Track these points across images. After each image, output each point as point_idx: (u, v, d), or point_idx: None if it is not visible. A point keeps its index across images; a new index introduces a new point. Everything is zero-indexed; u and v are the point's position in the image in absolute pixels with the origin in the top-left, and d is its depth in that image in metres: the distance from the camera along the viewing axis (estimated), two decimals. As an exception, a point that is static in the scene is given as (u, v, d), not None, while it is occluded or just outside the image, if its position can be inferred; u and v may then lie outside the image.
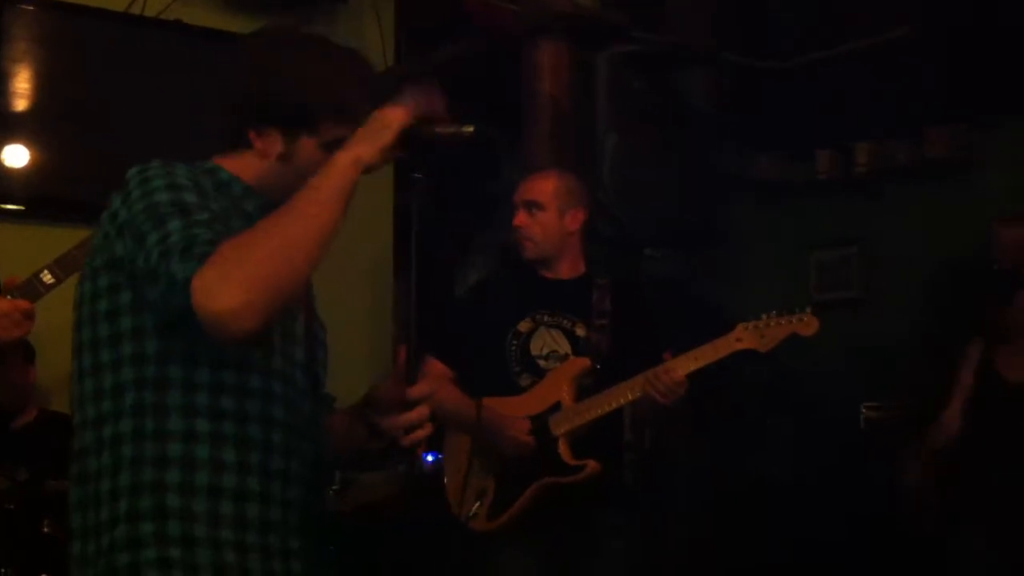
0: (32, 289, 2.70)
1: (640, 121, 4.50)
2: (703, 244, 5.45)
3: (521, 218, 3.44)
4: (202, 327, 1.64)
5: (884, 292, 5.41)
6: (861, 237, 5.54)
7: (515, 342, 3.41)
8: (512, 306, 3.44)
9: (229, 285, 1.62)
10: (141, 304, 1.77)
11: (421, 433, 1.84)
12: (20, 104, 4.17)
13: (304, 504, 1.88)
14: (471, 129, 1.86)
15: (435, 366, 3.36)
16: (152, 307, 1.74)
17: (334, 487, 4.18)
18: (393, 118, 1.79)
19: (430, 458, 3.92)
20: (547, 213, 3.45)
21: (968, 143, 5.24)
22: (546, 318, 3.42)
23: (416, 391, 1.83)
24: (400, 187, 4.90)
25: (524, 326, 3.41)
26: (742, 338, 3.23)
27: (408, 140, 1.82)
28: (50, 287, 2.73)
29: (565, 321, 3.42)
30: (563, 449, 3.30)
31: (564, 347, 3.39)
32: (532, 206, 3.45)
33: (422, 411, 1.83)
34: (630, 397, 3.26)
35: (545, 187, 3.48)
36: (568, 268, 3.49)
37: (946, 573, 4.10)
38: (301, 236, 1.69)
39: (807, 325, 3.20)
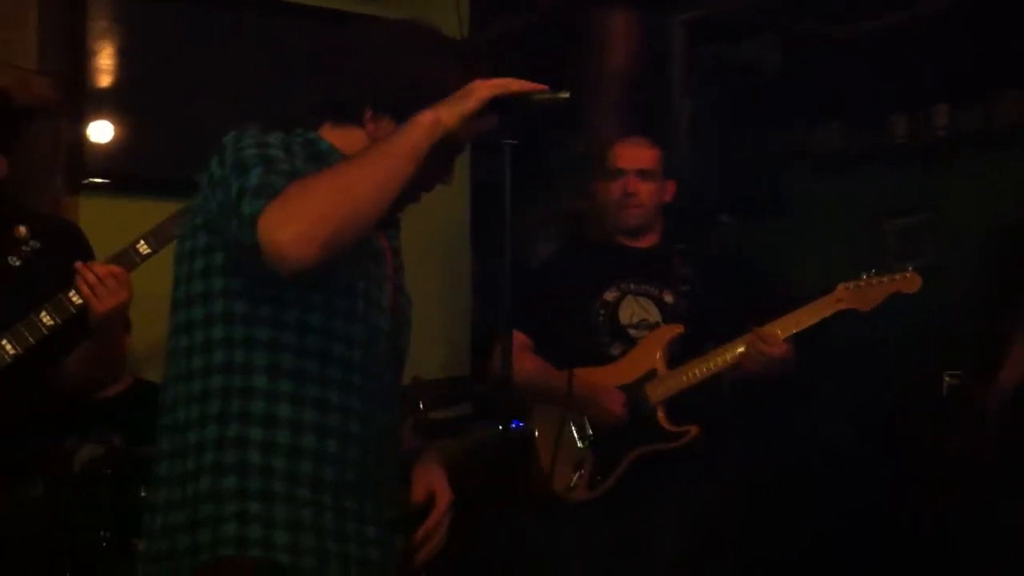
0: (128, 258, 2.74)
1: (713, 89, 4.48)
2: (774, 212, 5.42)
3: (635, 184, 3.43)
4: (268, 264, 1.69)
5: (960, 259, 5.35)
6: (936, 203, 5.48)
7: (603, 311, 3.40)
8: (595, 276, 3.43)
9: (290, 217, 1.68)
10: (233, 265, 1.83)
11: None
12: (104, 80, 4.23)
13: (379, 469, 1.93)
14: (567, 95, 1.88)
15: (515, 337, 3.32)
16: (231, 248, 1.80)
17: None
18: (479, 89, 1.82)
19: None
20: (655, 182, 3.46)
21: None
22: (632, 286, 3.42)
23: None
24: (476, 163, 4.93)
25: (610, 295, 3.41)
26: (843, 298, 3.19)
27: (503, 105, 1.85)
28: (145, 257, 2.76)
29: (652, 289, 3.41)
30: (662, 416, 3.29)
31: (654, 315, 3.38)
32: (644, 174, 3.45)
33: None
34: (729, 361, 3.24)
35: (653, 155, 3.48)
36: (651, 237, 3.50)
37: (990, 539, 4.09)
38: (366, 179, 1.73)
39: (910, 283, 3.17)
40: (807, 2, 5.31)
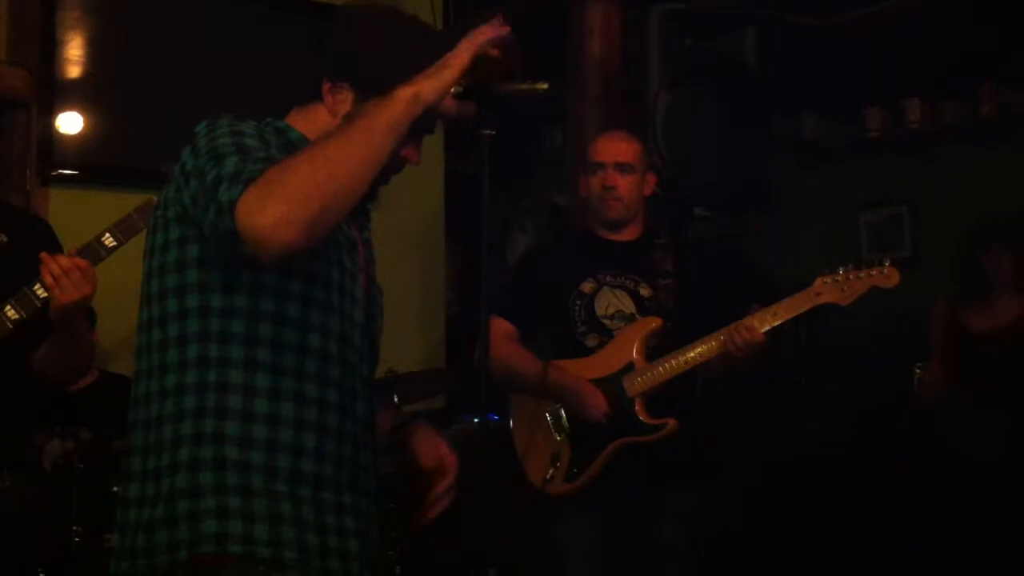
0: (93, 252, 2.71)
1: (691, 82, 4.47)
2: (752, 205, 5.42)
3: (614, 178, 3.43)
4: (248, 250, 1.67)
5: (935, 252, 5.37)
6: (911, 197, 5.49)
7: (579, 303, 3.40)
8: (573, 267, 3.43)
9: (269, 200, 1.64)
10: (208, 257, 1.81)
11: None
12: (74, 71, 4.20)
13: (356, 462, 1.91)
14: (545, 86, 1.86)
15: (500, 325, 3.34)
16: (208, 238, 1.77)
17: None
18: (456, 59, 1.79)
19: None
20: (635, 175, 3.45)
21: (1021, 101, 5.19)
22: (609, 278, 3.42)
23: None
24: (451, 153, 4.91)
25: (587, 287, 3.40)
26: (822, 292, 3.19)
27: (481, 96, 1.83)
28: (111, 250, 2.74)
29: (628, 281, 3.41)
30: (640, 409, 3.29)
31: (629, 307, 3.38)
32: (623, 168, 3.44)
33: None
34: (707, 354, 3.24)
35: (633, 148, 3.48)
36: (632, 230, 3.49)
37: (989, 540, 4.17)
38: (345, 157, 1.70)
39: (888, 277, 3.17)
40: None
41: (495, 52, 1.82)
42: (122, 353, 3.98)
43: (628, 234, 3.49)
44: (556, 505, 3.33)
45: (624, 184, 3.43)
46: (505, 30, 1.83)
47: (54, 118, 4.16)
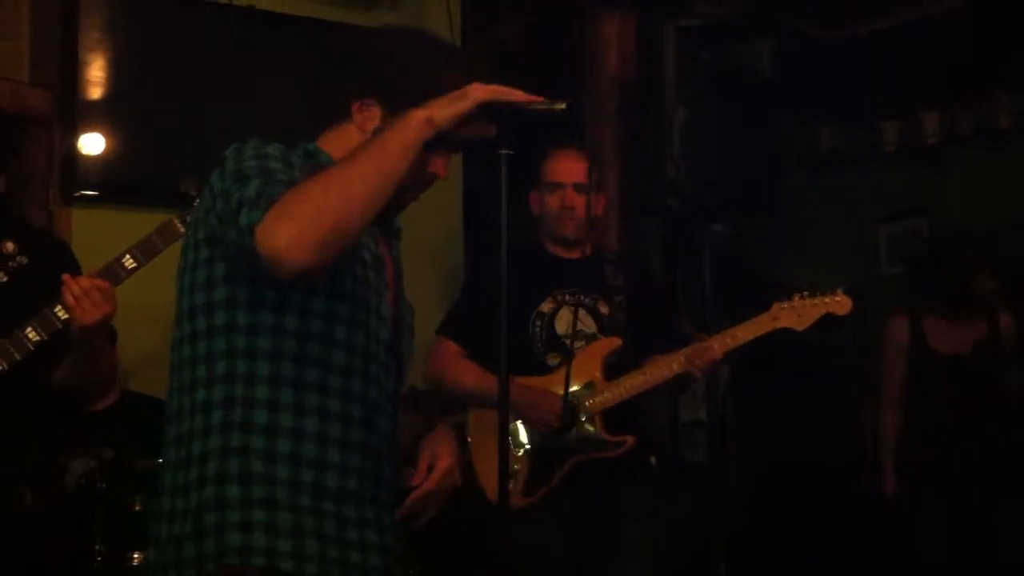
0: (113, 273, 2.75)
1: (707, 95, 4.48)
2: (768, 217, 5.42)
3: (573, 197, 3.48)
4: (268, 270, 1.71)
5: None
6: (930, 209, 5.48)
7: (539, 322, 3.45)
8: (530, 286, 3.45)
9: (285, 221, 1.69)
10: (235, 275, 1.85)
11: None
12: (96, 92, 4.22)
13: (379, 477, 1.94)
14: (563, 105, 1.88)
15: (448, 346, 3.46)
16: (233, 257, 1.82)
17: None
18: (475, 91, 1.83)
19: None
20: (589, 194, 3.50)
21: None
22: (567, 297, 3.46)
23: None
24: (468, 169, 4.92)
25: (546, 306, 3.46)
26: (779, 317, 3.31)
27: (499, 115, 1.86)
28: (131, 271, 2.78)
29: (586, 299, 3.46)
30: (599, 426, 3.37)
31: (590, 326, 3.44)
32: (580, 187, 3.50)
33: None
34: (668, 375, 3.34)
35: (587, 167, 3.53)
36: (583, 248, 3.54)
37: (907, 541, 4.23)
38: (358, 179, 1.74)
39: (840, 305, 3.29)
40: (800, 6, 5.31)
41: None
42: (142, 371, 4.00)
43: (580, 251, 3.54)
44: (520, 514, 3.32)
45: (581, 203, 3.47)
46: (535, 99, 1.86)
47: (76, 138, 4.18)
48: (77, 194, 4.18)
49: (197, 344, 1.88)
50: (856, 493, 4.81)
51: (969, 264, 4.26)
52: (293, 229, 1.68)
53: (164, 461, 1.91)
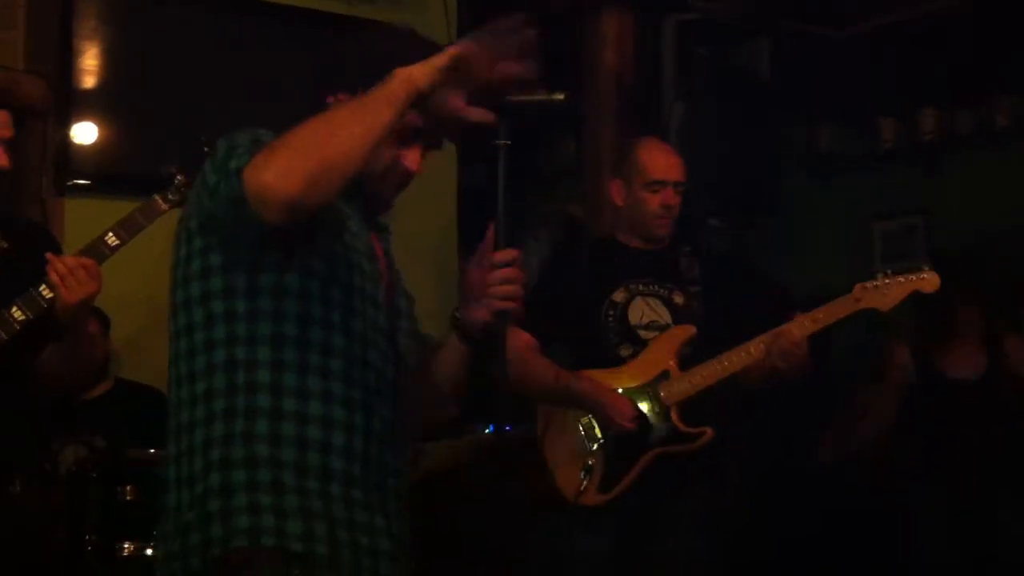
0: (97, 251, 2.74)
1: (705, 92, 4.48)
2: (765, 214, 5.42)
3: (673, 198, 3.35)
4: (255, 211, 1.71)
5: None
6: (925, 207, 5.48)
7: (611, 312, 3.33)
8: (603, 276, 3.37)
9: (271, 156, 1.71)
10: (231, 264, 1.85)
11: (510, 289, 1.91)
12: (90, 81, 4.22)
13: (384, 462, 1.94)
14: (562, 97, 1.88)
15: (521, 336, 3.21)
16: (226, 238, 1.83)
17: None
18: (451, 47, 1.83)
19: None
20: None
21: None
22: (640, 287, 3.35)
23: (502, 255, 1.89)
24: (464, 164, 4.91)
25: (619, 296, 3.34)
26: (862, 298, 3.17)
27: (498, 107, 1.85)
28: (115, 248, 2.78)
29: (662, 290, 3.36)
30: (675, 418, 3.25)
31: (664, 316, 3.33)
32: (679, 187, 3.37)
33: (511, 271, 1.90)
34: (746, 361, 3.20)
35: (683, 165, 3.41)
36: (661, 240, 3.42)
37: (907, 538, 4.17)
38: (345, 120, 1.76)
39: (928, 282, 3.16)
40: (799, 4, 5.31)
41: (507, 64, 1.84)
42: (133, 359, 3.99)
43: (655, 243, 3.43)
44: (571, 517, 3.27)
45: (677, 203, 3.37)
46: (517, 37, 1.86)
47: (70, 128, 4.18)
48: (70, 183, 4.18)
49: (195, 335, 1.87)
50: (856, 493, 4.79)
51: (952, 302, 4.00)
52: (280, 162, 1.70)
53: (167, 454, 1.90)
